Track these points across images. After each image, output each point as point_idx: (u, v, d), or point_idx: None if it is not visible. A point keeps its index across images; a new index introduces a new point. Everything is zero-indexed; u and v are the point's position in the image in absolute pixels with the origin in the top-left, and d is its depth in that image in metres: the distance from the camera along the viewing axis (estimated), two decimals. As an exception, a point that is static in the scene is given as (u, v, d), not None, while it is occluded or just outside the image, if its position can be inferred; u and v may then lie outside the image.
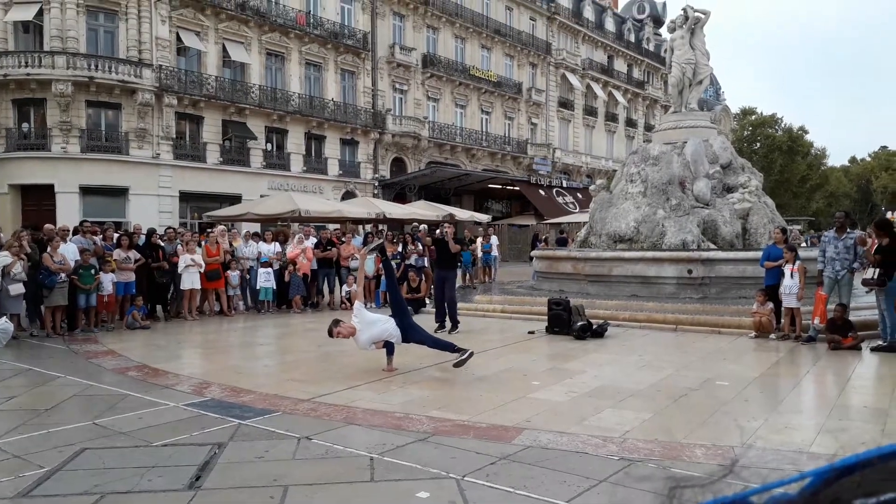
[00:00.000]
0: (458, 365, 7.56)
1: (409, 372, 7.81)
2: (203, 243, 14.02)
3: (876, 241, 9.76)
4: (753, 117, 69.82)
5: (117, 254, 12.34)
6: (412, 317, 8.24)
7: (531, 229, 36.93)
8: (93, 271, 11.60)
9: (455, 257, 11.49)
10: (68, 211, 25.05)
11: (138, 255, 12.64)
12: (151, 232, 13.63)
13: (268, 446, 5.05)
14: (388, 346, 7.72)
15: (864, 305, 11.08)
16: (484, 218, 31.87)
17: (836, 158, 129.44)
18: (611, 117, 56.67)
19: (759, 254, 12.73)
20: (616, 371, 7.87)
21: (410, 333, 7.72)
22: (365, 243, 16.02)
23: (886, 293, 9.18)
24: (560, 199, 42.11)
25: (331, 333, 7.51)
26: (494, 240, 22.32)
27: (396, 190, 37.57)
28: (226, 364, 8.68)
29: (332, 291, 15.87)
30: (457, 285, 17.73)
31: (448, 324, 11.24)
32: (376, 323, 7.64)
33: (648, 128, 56.42)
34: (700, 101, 17.79)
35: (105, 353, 9.51)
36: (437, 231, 11.53)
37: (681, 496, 0.56)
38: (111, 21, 27.34)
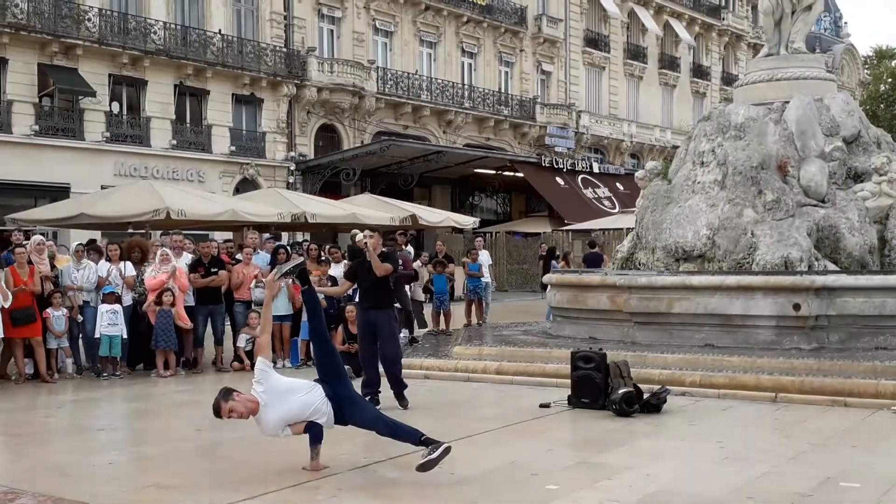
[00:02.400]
0: (424, 467, 7.44)
1: (346, 472, 7.74)
2: (6, 265, 13.83)
3: None
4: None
5: None
6: (351, 381, 8.19)
7: (543, 240, 37.06)
8: None
9: (386, 288, 11.29)
10: None
11: None
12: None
13: None
14: (313, 431, 7.65)
15: None
16: (468, 221, 32.01)
17: None
18: (669, 63, 57.42)
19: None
20: (681, 467, 7.90)
21: (349, 410, 7.66)
22: (274, 263, 15.93)
23: None
24: (589, 193, 42.43)
25: (218, 411, 7.41)
26: (485, 257, 22.36)
27: (325, 177, 37.56)
28: (45, 460, 8.53)
29: (219, 342, 15.74)
30: (416, 331, 17.87)
31: (385, 394, 11.14)
32: (292, 392, 7.58)
33: (728, 80, 57.23)
34: (810, 37, 18.10)
35: None
36: (357, 239, 11.44)
37: None
38: None
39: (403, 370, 13.68)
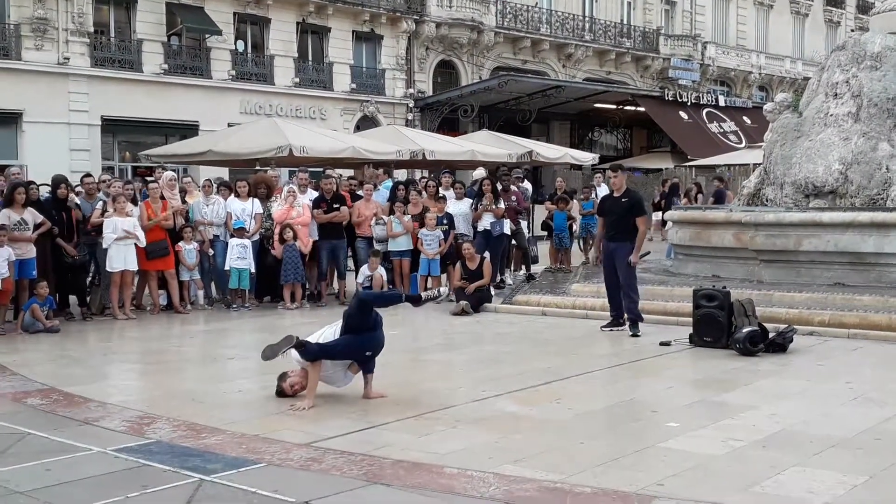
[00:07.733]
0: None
1: (464, 404, 7.88)
2: (141, 199, 14.25)
3: None
4: None
5: (5, 216, 12.63)
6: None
7: (666, 176, 36.49)
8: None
9: (628, 221, 11.91)
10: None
11: (40, 218, 12.92)
12: (59, 182, 13.88)
13: (245, 516, 5.20)
14: (362, 363, 8.08)
15: None
16: (587, 158, 31.65)
17: None
18: (800, -10, 55.45)
19: None
20: (807, 407, 7.81)
21: None
22: (393, 199, 16.09)
23: None
24: (714, 127, 41.51)
25: (282, 392, 8.02)
26: (605, 192, 22.08)
27: (443, 113, 37.60)
28: (179, 388, 8.90)
29: (342, 276, 16.00)
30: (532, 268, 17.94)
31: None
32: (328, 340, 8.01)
33: (864, 8, 54.96)
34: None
35: (-10, 369, 9.82)
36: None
37: None
38: None
39: (523, 306, 13.83)
